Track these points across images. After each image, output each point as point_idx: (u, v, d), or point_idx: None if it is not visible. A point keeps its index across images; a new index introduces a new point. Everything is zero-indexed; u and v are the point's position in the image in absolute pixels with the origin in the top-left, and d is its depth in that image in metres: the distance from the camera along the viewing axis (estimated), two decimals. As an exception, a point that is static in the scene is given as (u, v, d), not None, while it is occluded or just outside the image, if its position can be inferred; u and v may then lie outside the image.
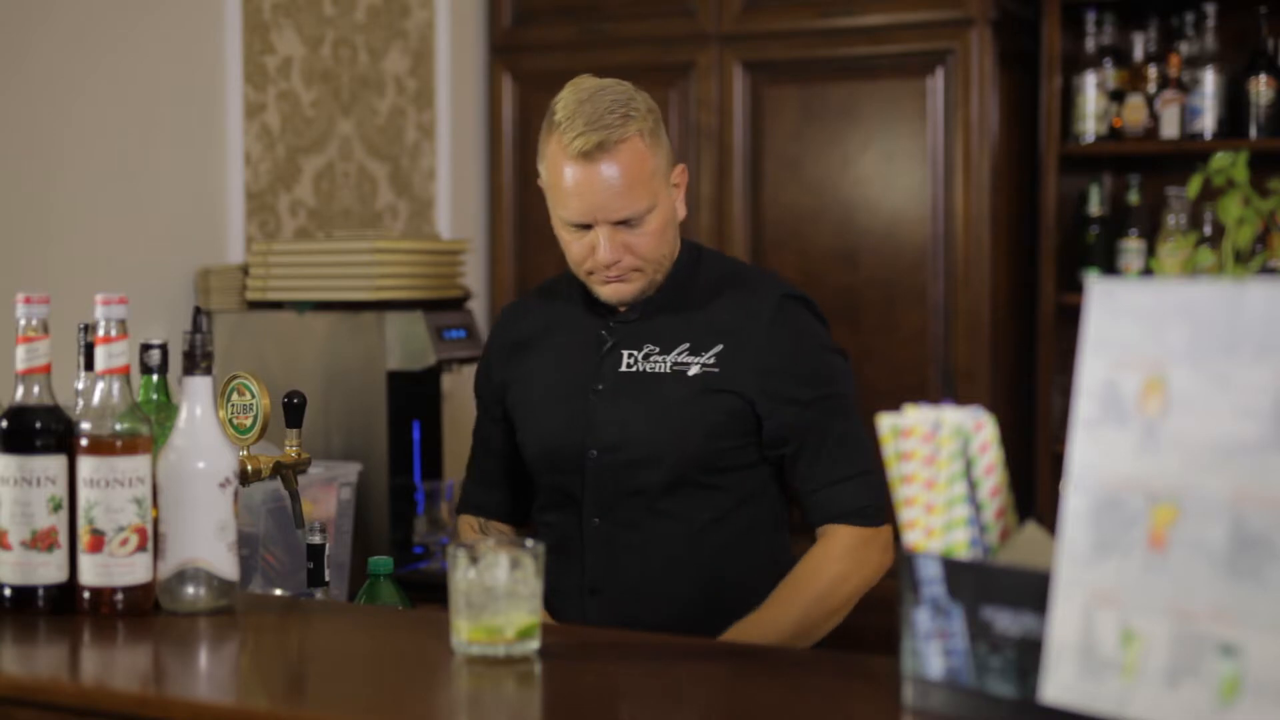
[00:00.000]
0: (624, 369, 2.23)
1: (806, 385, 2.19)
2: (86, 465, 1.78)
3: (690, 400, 2.18)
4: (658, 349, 2.22)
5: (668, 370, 2.21)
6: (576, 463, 2.22)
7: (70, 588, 1.80)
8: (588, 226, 2.16)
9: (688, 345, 2.21)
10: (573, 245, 2.20)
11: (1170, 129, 3.89)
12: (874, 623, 2.23)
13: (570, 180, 2.14)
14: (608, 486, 2.21)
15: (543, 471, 2.29)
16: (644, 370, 2.22)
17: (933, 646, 1.35)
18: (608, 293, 2.22)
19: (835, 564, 2.16)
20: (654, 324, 2.24)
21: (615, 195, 2.14)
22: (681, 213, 2.25)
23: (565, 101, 2.18)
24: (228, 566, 1.81)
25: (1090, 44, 4.00)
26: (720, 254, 2.37)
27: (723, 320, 2.22)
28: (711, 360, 2.19)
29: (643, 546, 2.20)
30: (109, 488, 1.77)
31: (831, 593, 2.14)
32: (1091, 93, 3.95)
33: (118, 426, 1.78)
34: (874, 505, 2.18)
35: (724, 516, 2.21)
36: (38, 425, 1.80)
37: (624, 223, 2.16)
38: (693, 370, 2.19)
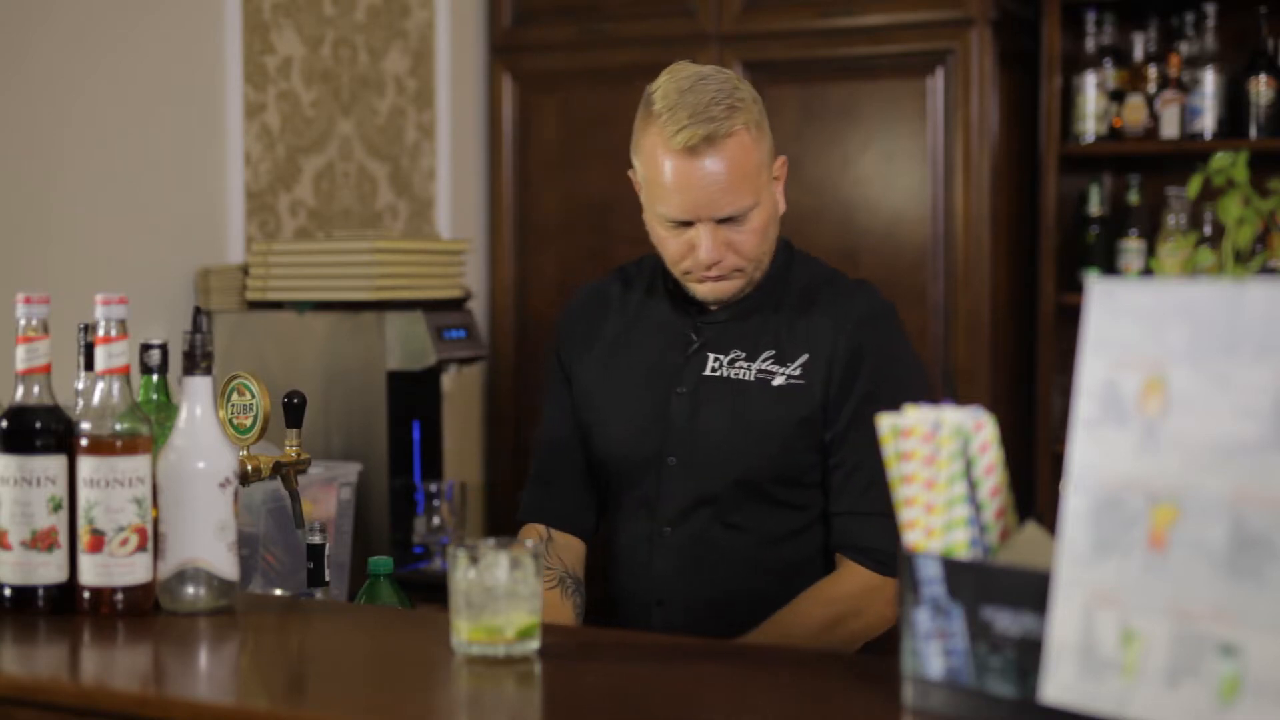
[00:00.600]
0: (708, 372, 2.14)
1: (862, 404, 2.08)
2: (86, 465, 1.78)
3: (771, 410, 2.10)
4: (744, 354, 2.14)
5: (752, 378, 2.12)
6: (653, 468, 2.15)
7: (70, 588, 1.80)
8: (687, 223, 2.07)
9: (774, 353, 2.13)
10: (669, 242, 2.10)
11: (1170, 129, 3.89)
12: (874, 623, 2.23)
13: (671, 175, 2.04)
14: (682, 495, 2.13)
15: (615, 474, 2.21)
16: (728, 376, 2.13)
17: (933, 646, 1.35)
18: (704, 291, 2.13)
19: (834, 605, 2.08)
20: (742, 327, 2.15)
21: (720, 191, 2.03)
22: (781, 207, 2.14)
23: (664, 91, 2.05)
24: (228, 566, 1.80)
25: (1090, 44, 4.00)
26: (809, 256, 2.25)
27: (810, 330, 2.13)
28: (797, 372, 2.11)
29: (712, 559, 2.13)
30: (109, 488, 1.77)
31: (825, 632, 2.06)
32: (1091, 93, 3.95)
33: (118, 426, 1.78)
34: (892, 554, 2.05)
35: (798, 533, 2.14)
36: (38, 425, 1.80)
37: (727, 220, 2.06)
38: (777, 380, 2.11)
